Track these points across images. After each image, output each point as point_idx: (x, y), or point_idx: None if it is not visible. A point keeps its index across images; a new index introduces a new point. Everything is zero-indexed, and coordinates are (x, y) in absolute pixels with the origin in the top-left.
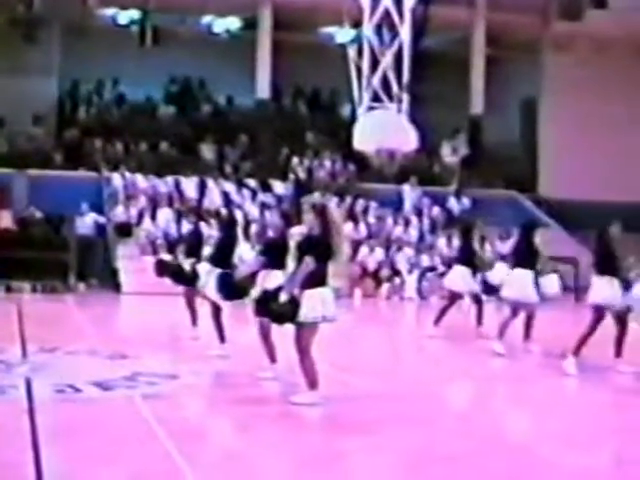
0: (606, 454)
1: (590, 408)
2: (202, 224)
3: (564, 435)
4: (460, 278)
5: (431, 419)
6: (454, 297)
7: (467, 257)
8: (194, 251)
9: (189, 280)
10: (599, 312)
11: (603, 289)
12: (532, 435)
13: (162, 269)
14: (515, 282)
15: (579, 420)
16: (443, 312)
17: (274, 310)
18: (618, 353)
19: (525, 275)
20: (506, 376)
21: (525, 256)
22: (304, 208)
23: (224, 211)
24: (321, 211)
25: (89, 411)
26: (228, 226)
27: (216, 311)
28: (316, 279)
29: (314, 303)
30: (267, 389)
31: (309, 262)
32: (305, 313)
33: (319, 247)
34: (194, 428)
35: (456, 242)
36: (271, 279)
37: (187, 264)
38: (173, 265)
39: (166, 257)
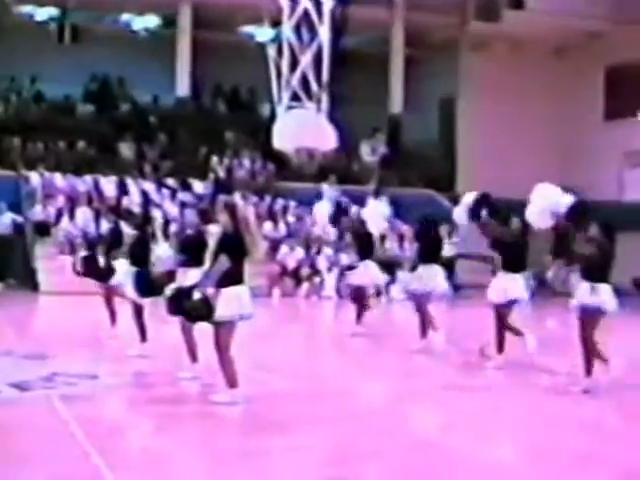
0: (518, 447)
1: (506, 404)
2: (122, 223)
3: (478, 429)
4: (365, 273)
5: (350, 417)
6: (359, 292)
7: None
8: (113, 250)
9: (108, 278)
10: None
11: (502, 286)
12: (449, 430)
13: (85, 267)
14: (421, 276)
15: (499, 415)
16: (361, 309)
17: (187, 308)
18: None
19: (431, 269)
20: (427, 373)
21: (430, 251)
22: (218, 207)
23: (137, 209)
24: (232, 210)
25: (7, 412)
26: (142, 224)
27: (137, 310)
28: (232, 277)
29: (230, 302)
30: (186, 388)
31: (223, 261)
32: (221, 312)
33: (233, 245)
34: (113, 428)
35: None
36: (189, 277)
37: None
38: (95, 263)
39: (84, 253)
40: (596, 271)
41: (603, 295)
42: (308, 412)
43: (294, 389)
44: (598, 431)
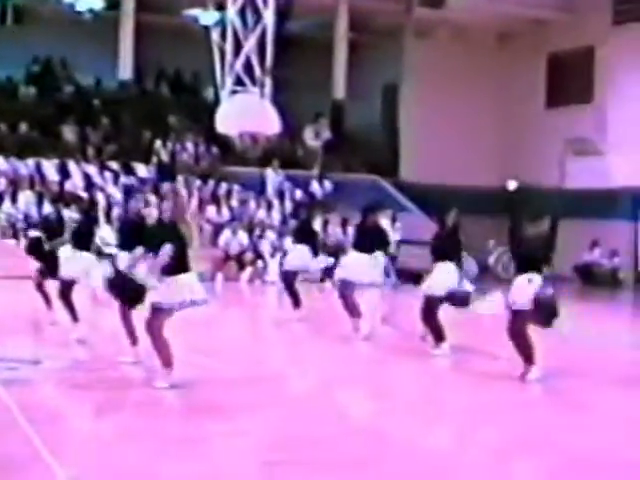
0: (456, 434)
1: (440, 388)
2: (64, 209)
3: (415, 415)
4: (299, 257)
5: (289, 402)
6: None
7: (307, 237)
8: (55, 234)
9: (51, 264)
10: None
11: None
12: (386, 416)
13: (30, 249)
14: (353, 265)
15: (437, 401)
16: (293, 294)
17: (124, 292)
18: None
19: (361, 257)
20: (364, 359)
21: (365, 239)
22: (164, 193)
23: (84, 194)
24: (175, 198)
25: None
26: (88, 209)
27: (64, 291)
28: (178, 265)
29: (174, 289)
30: (127, 373)
31: (167, 249)
32: (159, 299)
33: (174, 233)
34: (54, 413)
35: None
36: (121, 260)
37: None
38: (40, 247)
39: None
40: (535, 262)
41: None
42: (248, 397)
43: (234, 374)
44: (540, 417)
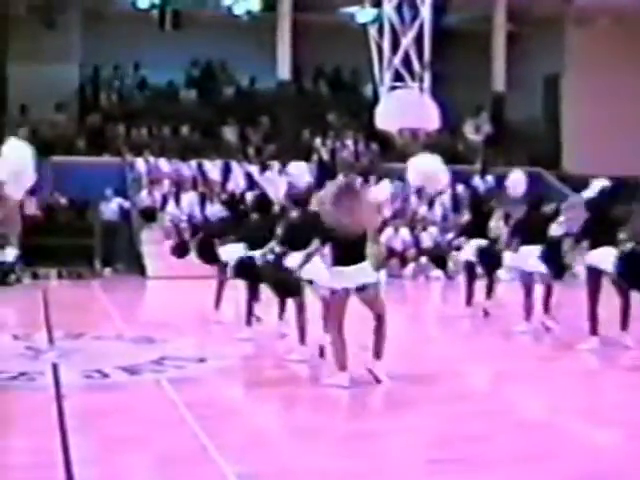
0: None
1: (611, 384)
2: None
3: (585, 409)
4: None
5: (457, 399)
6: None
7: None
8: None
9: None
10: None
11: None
12: (553, 412)
13: (201, 251)
14: (524, 257)
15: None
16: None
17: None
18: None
19: (533, 250)
20: (530, 354)
21: (533, 231)
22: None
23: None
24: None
25: (117, 396)
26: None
27: (251, 293)
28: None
29: (346, 275)
30: (295, 371)
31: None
32: (333, 284)
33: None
34: (222, 410)
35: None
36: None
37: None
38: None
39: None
40: None
41: None
42: (415, 394)
43: (400, 371)
44: None
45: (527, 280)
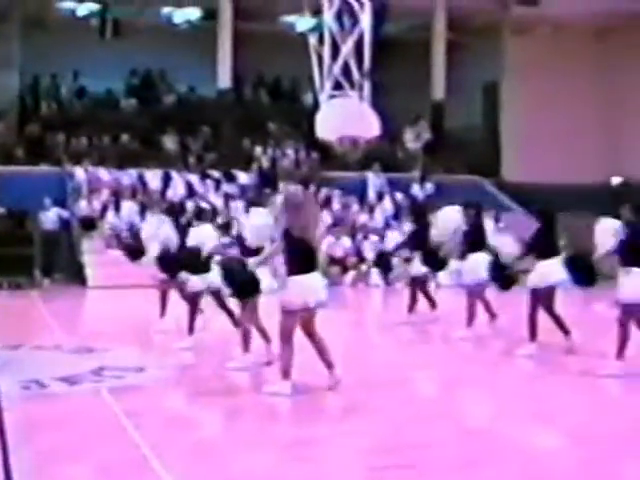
0: (566, 433)
1: (556, 389)
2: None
3: (529, 417)
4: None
5: (402, 405)
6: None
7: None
8: None
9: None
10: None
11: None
12: (497, 418)
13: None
14: (470, 265)
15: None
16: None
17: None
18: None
19: (478, 258)
20: (474, 361)
21: (476, 240)
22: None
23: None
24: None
25: (56, 406)
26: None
27: (192, 303)
28: (301, 265)
29: (299, 290)
30: (235, 379)
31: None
32: (289, 299)
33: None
34: (162, 420)
35: None
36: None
37: None
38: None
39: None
40: None
41: None
42: (358, 401)
43: (343, 379)
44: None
45: (472, 288)
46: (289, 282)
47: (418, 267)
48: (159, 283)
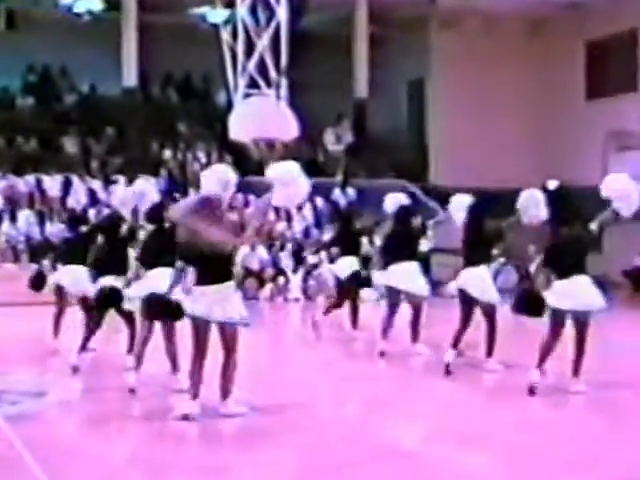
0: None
1: (474, 406)
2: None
3: (448, 437)
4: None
5: (316, 427)
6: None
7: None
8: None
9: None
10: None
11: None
12: (416, 438)
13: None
14: (392, 275)
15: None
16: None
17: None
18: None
19: (402, 267)
20: (392, 378)
21: (404, 246)
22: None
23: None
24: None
25: None
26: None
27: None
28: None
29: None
30: (142, 403)
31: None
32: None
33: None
34: (62, 448)
35: None
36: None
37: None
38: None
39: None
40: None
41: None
42: (270, 424)
43: (256, 400)
44: (588, 433)
45: (394, 299)
46: (193, 293)
47: (345, 269)
48: (56, 299)
